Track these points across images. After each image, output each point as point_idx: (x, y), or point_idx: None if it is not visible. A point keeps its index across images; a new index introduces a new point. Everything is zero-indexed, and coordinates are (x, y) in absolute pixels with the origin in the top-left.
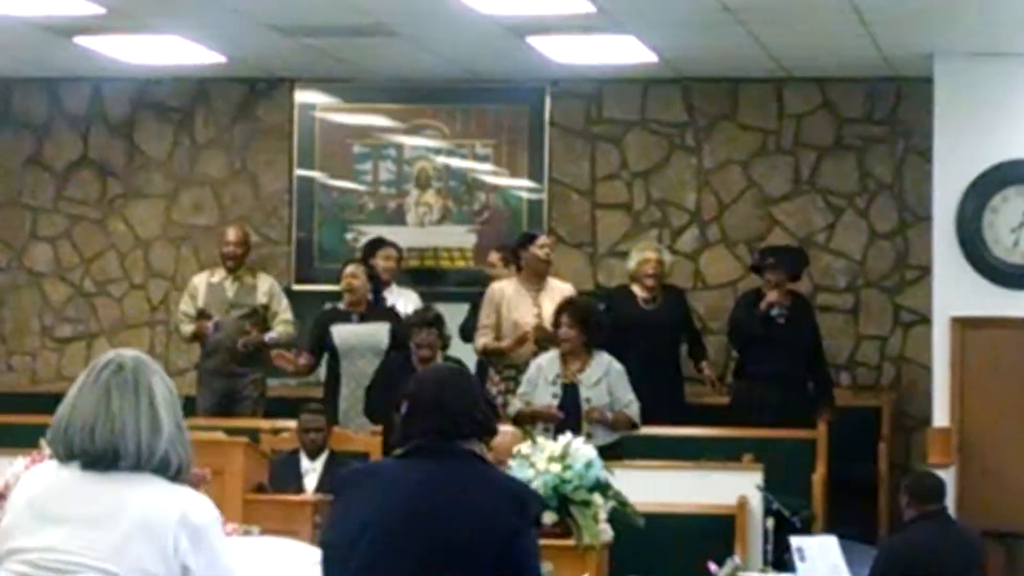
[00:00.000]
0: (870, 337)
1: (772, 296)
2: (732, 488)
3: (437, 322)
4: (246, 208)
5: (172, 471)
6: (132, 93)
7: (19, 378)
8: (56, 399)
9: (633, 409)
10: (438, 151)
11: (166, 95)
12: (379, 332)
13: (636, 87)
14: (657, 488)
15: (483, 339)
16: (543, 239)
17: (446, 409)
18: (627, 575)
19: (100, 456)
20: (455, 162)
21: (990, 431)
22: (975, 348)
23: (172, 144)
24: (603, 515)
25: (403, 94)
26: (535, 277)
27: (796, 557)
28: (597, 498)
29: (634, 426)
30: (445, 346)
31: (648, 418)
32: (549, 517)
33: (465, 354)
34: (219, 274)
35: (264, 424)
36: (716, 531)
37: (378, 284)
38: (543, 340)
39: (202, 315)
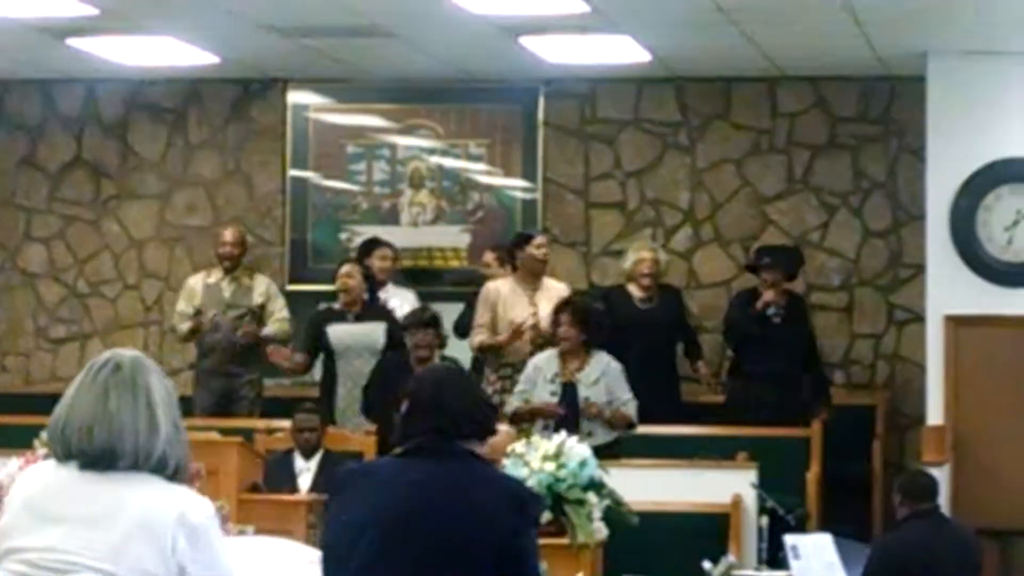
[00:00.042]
0: (864, 336)
1: (768, 296)
2: (727, 486)
3: (434, 323)
4: (240, 209)
5: (170, 471)
6: (125, 94)
7: (13, 379)
8: (50, 400)
9: (631, 408)
10: (432, 151)
11: (159, 96)
12: (375, 332)
13: (629, 87)
14: (651, 486)
15: (479, 337)
16: (540, 239)
17: (446, 409)
18: (621, 574)
19: (98, 456)
20: (449, 162)
21: (984, 429)
22: (969, 346)
23: (166, 145)
24: (597, 514)
25: (396, 94)
26: (531, 277)
27: (790, 555)
28: (591, 497)
29: (631, 425)
30: (442, 346)
31: (644, 417)
32: (543, 516)
33: (460, 352)
34: (216, 275)
35: (259, 424)
36: (710, 529)
37: (374, 284)
38: (540, 341)
39: (199, 315)
